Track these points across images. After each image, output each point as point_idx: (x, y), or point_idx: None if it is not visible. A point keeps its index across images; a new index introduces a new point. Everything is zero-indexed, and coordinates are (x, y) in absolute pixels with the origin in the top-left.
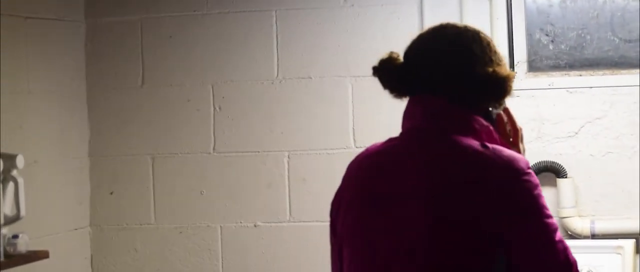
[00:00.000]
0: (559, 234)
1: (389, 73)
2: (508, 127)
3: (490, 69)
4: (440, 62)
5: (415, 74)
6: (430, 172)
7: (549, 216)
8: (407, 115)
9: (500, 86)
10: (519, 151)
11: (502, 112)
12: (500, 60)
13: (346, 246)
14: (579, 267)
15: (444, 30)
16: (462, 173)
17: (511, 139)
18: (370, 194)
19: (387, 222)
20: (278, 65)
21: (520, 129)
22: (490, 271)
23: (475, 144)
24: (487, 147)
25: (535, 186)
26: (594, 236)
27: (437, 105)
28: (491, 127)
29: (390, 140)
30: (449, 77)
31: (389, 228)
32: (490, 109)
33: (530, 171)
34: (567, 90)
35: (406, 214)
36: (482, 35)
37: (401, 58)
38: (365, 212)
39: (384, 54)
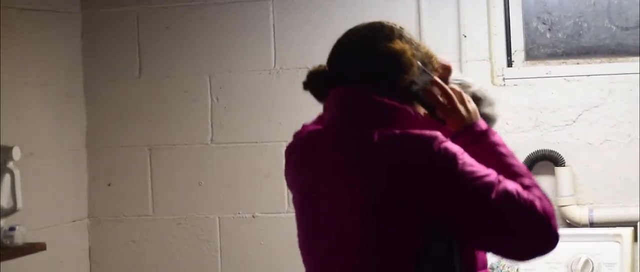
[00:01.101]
0: (503, 187)
1: (316, 82)
2: (442, 98)
3: (383, 47)
4: (347, 53)
5: (333, 73)
6: (349, 164)
7: (476, 177)
8: (325, 108)
9: (393, 61)
10: (461, 115)
11: (429, 87)
12: (413, 45)
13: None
14: (577, 256)
15: (356, 27)
16: (377, 162)
17: (449, 107)
18: (300, 183)
19: (315, 210)
20: (275, 55)
21: (459, 92)
22: (415, 252)
23: (385, 131)
24: (403, 135)
25: (451, 159)
26: (592, 224)
27: (346, 95)
28: (405, 106)
29: (318, 122)
30: (353, 65)
31: (317, 217)
32: (413, 87)
33: (440, 147)
34: (565, 79)
35: (326, 208)
36: (396, 27)
37: (324, 67)
38: (299, 199)
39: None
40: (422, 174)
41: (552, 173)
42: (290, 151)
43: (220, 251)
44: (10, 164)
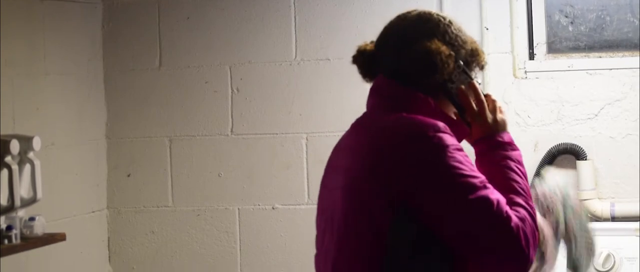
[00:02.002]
0: (484, 193)
1: (361, 60)
2: (473, 102)
3: (426, 43)
4: (390, 42)
5: (379, 59)
6: (351, 148)
7: (461, 175)
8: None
9: (431, 58)
10: (486, 122)
11: (464, 87)
12: (458, 43)
13: None
14: (599, 250)
15: (406, 15)
16: (370, 144)
17: (478, 111)
18: (328, 167)
19: (325, 194)
20: (296, 46)
21: (493, 101)
22: (387, 235)
23: (393, 116)
24: (400, 117)
25: (441, 148)
26: (613, 219)
27: (379, 85)
28: (430, 99)
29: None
30: (393, 56)
31: (325, 200)
32: (448, 84)
33: (434, 134)
34: (587, 72)
35: (334, 188)
36: (444, 21)
37: (372, 46)
38: (322, 184)
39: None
40: (407, 157)
41: (574, 167)
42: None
43: (240, 243)
44: (31, 154)
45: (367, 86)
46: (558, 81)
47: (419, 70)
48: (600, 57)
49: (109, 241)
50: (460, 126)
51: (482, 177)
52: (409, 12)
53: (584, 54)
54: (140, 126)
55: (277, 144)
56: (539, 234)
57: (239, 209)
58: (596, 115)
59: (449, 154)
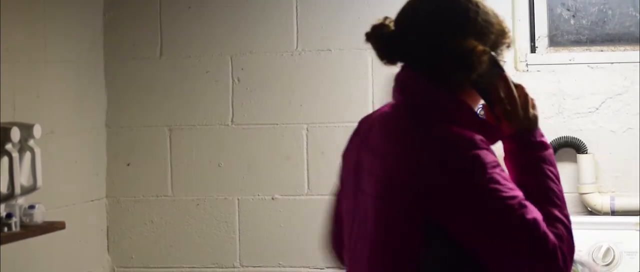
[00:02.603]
0: (521, 214)
1: (379, 40)
2: (504, 95)
3: (460, 42)
4: (420, 30)
5: (401, 42)
6: (384, 156)
7: (498, 197)
8: (392, 88)
9: (465, 59)
10: (517, 118)
11: (495, 81)
12: (488, 30)
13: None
14: (598, 244)
15: None
16: (404, 159)
17: (509, 107)
18: (351, 160)
19: (359, 197)
20: (298, 37)
21: (525, 94)
22: (419, 252)
23: (428, 127)
24: (437, 131)
25: (478, 168)
26: (613, 213)
27: (409, 81)
28: (463, 101)
29: (384, 106)
30: (425, 48)
31: (359, 202)
32: (478, 80)
33: (472, 152)
34: (588, 66)
35: (368, 194)
36: (473, 7)
37: (392, 26)
38: (346, 177)
39: (378, 19)
40: (444, 177)
41: (574, 160)
42: (358, 127)
43: (239, 233)
44: (31, 142)
45: (367, 77)
46: (559, 74)
47: (452, 68)
48: (601, 50)
49: (108, 230)
50: (495, 130)
51: (519, 195)
52: None
53: (585, 47)
54: (141, 115)
55: (277, 135)
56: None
57: (238, 199)
58: (597, 109)
59: (487, 175)
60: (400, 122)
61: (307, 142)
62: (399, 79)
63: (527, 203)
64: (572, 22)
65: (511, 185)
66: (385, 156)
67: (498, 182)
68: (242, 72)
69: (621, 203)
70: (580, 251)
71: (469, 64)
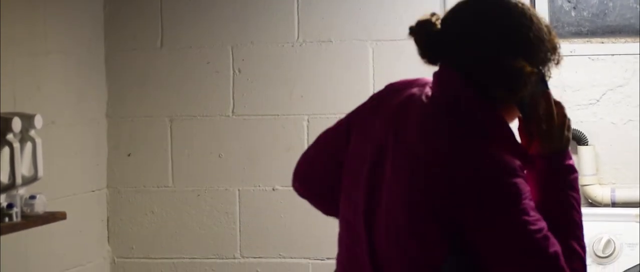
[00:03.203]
0: (545, 246)
1: (424, 38)
2: (543, 113)
3: (510, 61)
4: (469, 39)
5: (446, 45)
6: (417, 157)
7: (524, 230)
8: (433, 82)
9: (513, 80)
10: (552, 138)
11: (537, 96)
12: (539, 48)
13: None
14: (599, 235)
15: (485, 3)
16: (436, 169)
17: (545, 125)
18: (373, 135)
19: (370, 167)
20: (299, 28)
21: (564, 115)
22: (438, 261)
23: (469, 142)
24: (478, 149)
25: (513, 196)
26: (614, 204)
27: (452, 87)
28: (503, 120)
29: (416, 86)
30: (472, 59)
31: (362, 179)
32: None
33: (510, 180)
34: (589, 58)
35: (381, 174)
36: (527, 18)
37: (439, 24)
38: (360, 147)
39: (424, 15)
40: (476, 196)
41: (575, 152)
42: (380, 101)
43: (240, 224)
44: (32, 132)
45: (368, 68)
46: (560, 66)
47: (497, 85)
48: (602, 42)
49: (108, 220)
50: (527, 156)
51: (544, 228)
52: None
53: (586, 39)
54: (141, 106)
55: (278, 126)
56: None
57: (239, 190)
58: (598, 100)
59: (521, 205)
60: (442, 128)
61: (308, 133)
62: (440, 78)
63: (550, 235)
64: (573, 13)
65: (538, 216)
66: (424, 159)
67: (528, 214)
68: (242, 63)
69: (622, 195)
70: None
71: (516, 85)
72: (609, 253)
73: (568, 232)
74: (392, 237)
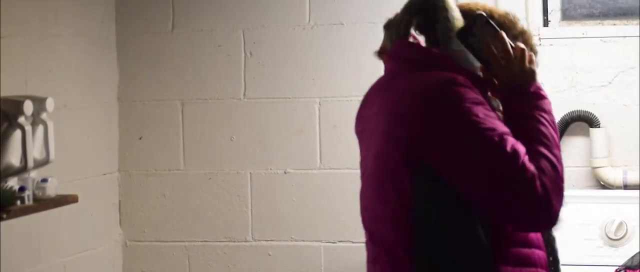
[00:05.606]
0: (500, 145)
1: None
2: (499, 53)
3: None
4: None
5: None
6: (379, 106)
7: (475, 129)
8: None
9: (430, 10)
10: (511, 72)
11: (489, 40)
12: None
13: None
14: (611, 218)
15: None
16: (389, 108)
17: (504, 63)
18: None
19: (363, 145)
20: (310, 10)
21: (522, 49)
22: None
23: (411, 77)
24: (418, 76)
25: (456, 102)
26: (626, 187)
27: (397, 47)
28: (444, 54)
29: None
30: (407, 15)
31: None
32: (470, 38)
33: (451, 88)
34: (601, 39)
35: (369, 141)
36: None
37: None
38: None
39: None
40: (424, 115)
41: (587, 134)
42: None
43: (251, 207)
44: (44, 115)
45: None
46: (572, 48)
47: (440, 28)
48: (614, 24)
49: (120, 203)
50: (483, 80)
51: (502, 130)
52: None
53: (598, 21)
54: (153, 89)
55: (289, 109)
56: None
57: (250, 173)
58: (610, 82)
59: (465, 108)
60: (404, 79)
61: (319, 116)
62: (390, 52)
63: (509, 138)
64: None
65: (495, 121)
66: (389, 104)
67: (477, 116)
68: (254, 46)
69: (634, 177)
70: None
71: (441, 18)
72: (621, 235)
73: (532, 140)
74: (369, 188)
